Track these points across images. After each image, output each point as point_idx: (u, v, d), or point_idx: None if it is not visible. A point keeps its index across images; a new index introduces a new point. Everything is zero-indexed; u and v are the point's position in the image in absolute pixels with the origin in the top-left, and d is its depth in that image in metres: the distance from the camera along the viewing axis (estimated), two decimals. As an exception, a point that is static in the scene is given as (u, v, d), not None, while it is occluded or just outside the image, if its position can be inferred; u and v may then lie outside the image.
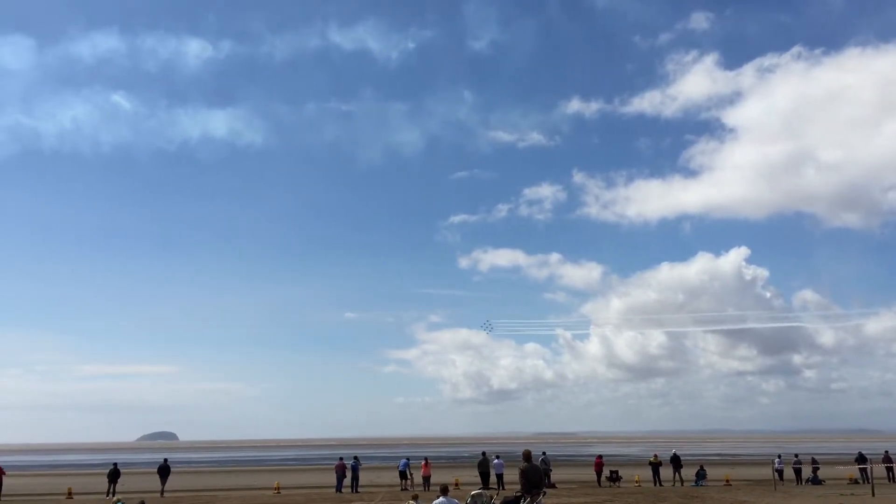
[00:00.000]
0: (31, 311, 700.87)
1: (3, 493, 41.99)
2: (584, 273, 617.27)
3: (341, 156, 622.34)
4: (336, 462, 44.59)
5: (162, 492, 42.31)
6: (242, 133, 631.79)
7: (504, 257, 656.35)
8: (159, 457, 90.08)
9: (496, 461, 43.30)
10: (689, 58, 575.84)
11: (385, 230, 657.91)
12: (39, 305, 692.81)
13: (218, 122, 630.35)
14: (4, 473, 43.32)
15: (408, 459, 45.62)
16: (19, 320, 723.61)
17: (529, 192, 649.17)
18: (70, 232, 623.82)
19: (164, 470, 43.26)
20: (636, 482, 46.74)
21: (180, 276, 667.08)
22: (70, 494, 42.94)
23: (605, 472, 47.10)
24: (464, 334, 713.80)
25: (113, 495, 38.65)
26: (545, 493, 20.74)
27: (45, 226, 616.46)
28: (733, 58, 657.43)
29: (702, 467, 48.93)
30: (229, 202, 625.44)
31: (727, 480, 47.58)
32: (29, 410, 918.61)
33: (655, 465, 46.90)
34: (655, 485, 45.49)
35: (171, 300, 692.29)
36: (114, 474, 43.60)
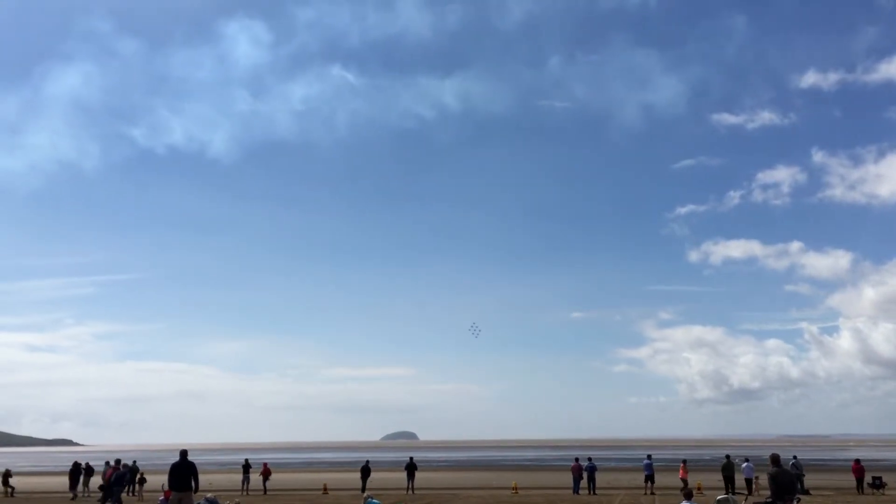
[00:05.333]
0: (282, 319, 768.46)
1: (267, 488, 46.22)
2: (830, 262, 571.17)
3: (581, 124, 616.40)
4: (572, 463, 44.47)
5: (411, 489, 44.36)
6: (479, 104, 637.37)
7: (738, 248, 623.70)
8: (402, 455, 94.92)
9: (745, 465, 41.00)
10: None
11: (607, 225, 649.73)
12: (288, 313, 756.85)
13: (452, 95, 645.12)
14: (271, 472, 47.65)
15: (651, 460, 44.32)
16: (272, 328, 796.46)
17: (763, 177, 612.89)
18: (312, 238, 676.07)
19: (411, 468, 45.42)
20: (905, 490, 42.35)
21: (413, 280, 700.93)
22: (326, 490, 46.36)
23: (867, 477, 43.08)
24: (697, 331, 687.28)
25: (363, 491, 41.19)
26: (799, 499, 19.43)
27: (290, 233, 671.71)
28: None
29: None
30: (461, 199, 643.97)
31: None
32: (285, 411, 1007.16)
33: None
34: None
35: (405, 304, 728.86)
36: (366, 471, 46.41)
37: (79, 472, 43.61)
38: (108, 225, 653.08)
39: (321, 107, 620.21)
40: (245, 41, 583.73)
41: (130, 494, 42.01)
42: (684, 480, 41.41)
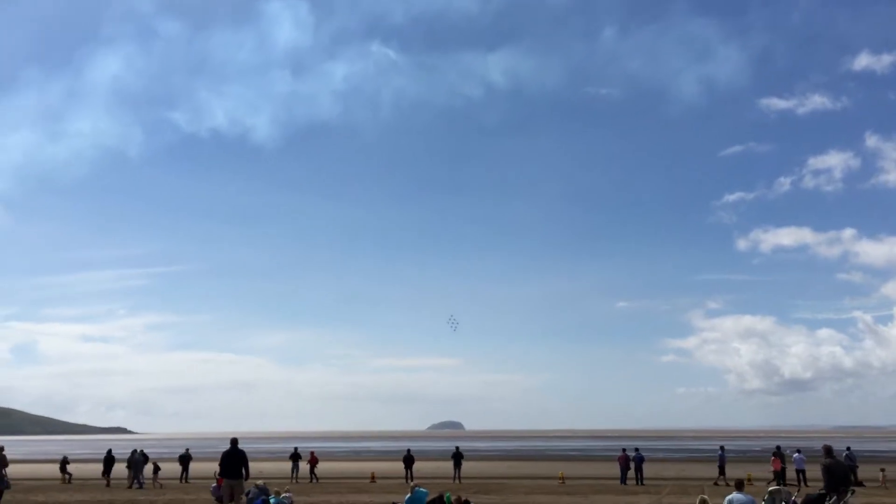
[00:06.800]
0: (328, 310, 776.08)
1: (317, 476, 46.77)
2: (884, 249, 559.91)
3: (629, 107, 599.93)
4: (619, 454, 44.17)
5: (458, 478, 44.60)
6: (527, 81, 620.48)
7: (788, 236, 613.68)
8: (448, 444, 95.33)
9: (796, 456, 40.23)
10: None
11: (653, 213, 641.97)
12: (335, 304, 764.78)
13: (499, 71, 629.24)
14: (318, 461, 48.21)
15: (724, 451, 43.63)
16: (319, 318, 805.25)
17: (815, 162, 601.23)
18: (359, 229, 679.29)
19: (457, 457, 45.60)
20: (964, 483, 41.20)
21: (459, 270, 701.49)
22: (373, 478, 46.76)
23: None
24: (747, 321, 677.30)
25: (410, 480, 41.44)
26: (853, 491, 19.04)
27: (336, 224, 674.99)
28: None
29: None
30: (508, 188, 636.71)
31: None
32: (332, 400, 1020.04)
33: None
34: None
35: (451, 294, 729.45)
36: (408, 460, 46.69)
37: (112, 461, 44.90)
38: (157, 216, 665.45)
39: (364, 85, 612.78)
40: (286, 19, 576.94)
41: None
42: (776, 472, 40.18)
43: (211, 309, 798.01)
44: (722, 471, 42.08)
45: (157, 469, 43.39)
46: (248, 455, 23.28)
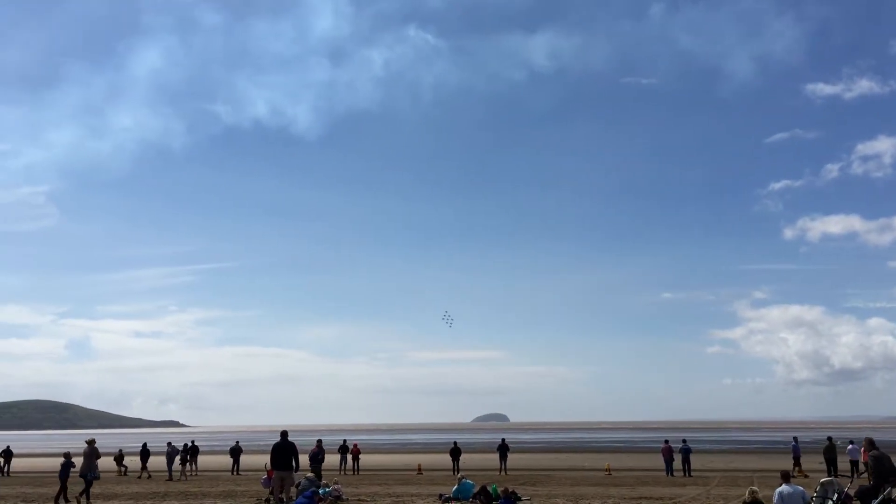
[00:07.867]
0: (372, 303, 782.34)
1: (360, 468, 47.26)
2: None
3: (672, 95, 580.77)
4: (662, 445, 43.95)
5: (503, 469, 44.82)
6: (571, 63, 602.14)
7: (837, 224, 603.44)
8: (494, 436, 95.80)
9: (851, 447, 39.55)
10: None
11: (697, 202, 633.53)
12: (378, 297, 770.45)
13: (542, 54, 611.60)
14: (360, 452, 48.75)
15: (797, 442, 43.15)
16: (362, 312, 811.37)
17: (863, 148, 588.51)
18: (401, 222, 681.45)
19: (503, 448, 45.81)
20: None
21: (503, 262, 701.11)
22: (420, 470, 47.22)
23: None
24: (795, 311, 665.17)
25: (457, 472, 41.79)
26: (905, 483, 18.87)
27: (378, 218, 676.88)
28: None
29: None
30: (550, 178, 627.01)
31: None
32: (376, 393, 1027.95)
33: None
34: None
35: (495, 286, 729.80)
36: (455, 452, 47.04)
37: (147, 454, 46.42)
38: (202, 211, 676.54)
39: (404, 72, 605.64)
40: (325, 6, 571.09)
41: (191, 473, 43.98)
42: (867, 464, 39.33)
43: (257, 304, 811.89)
44: (797, 462, 41.61)
45: (183, 461, 44.25)
46: (297, 447, 23.73)
